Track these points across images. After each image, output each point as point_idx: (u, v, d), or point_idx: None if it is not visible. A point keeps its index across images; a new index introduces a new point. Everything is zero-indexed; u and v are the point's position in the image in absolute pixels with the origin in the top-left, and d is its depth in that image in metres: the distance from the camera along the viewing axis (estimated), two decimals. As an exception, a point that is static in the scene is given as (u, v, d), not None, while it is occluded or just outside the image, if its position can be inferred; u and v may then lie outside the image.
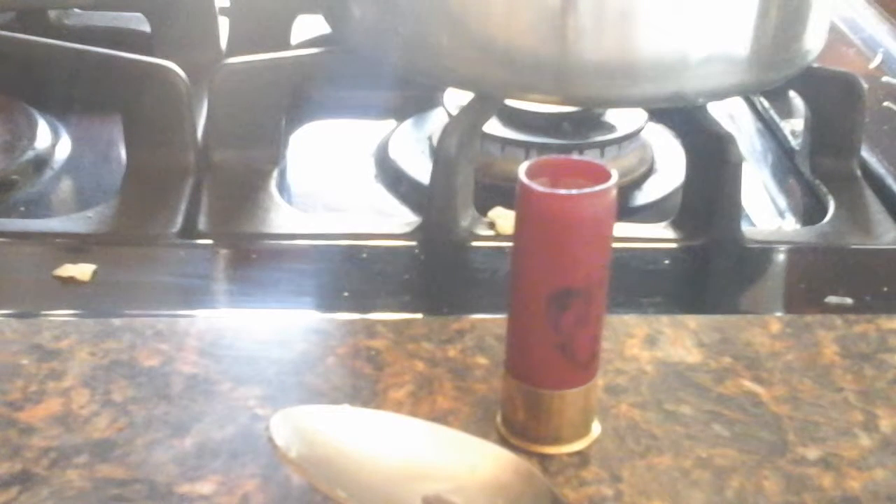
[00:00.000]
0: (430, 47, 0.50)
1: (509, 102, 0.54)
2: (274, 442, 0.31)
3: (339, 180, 0.57)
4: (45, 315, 0.41)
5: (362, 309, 0.42)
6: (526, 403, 0.35)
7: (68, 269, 0.44)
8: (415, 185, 0.54)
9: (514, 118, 0.56)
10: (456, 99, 0.55)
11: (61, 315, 0.41)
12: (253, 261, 0.46)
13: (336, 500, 0.31)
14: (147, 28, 0.65)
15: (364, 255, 0.46)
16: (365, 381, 0.38)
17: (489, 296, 0.44)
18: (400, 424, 0.34)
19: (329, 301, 0.43)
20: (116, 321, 0.40)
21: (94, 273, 0.44)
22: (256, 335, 0.40)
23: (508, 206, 0.48)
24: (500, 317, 0.36)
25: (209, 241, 0.47)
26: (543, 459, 0.35)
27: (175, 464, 0.34)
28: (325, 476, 0.31)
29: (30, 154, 0.55)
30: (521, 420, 0.35)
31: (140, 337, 0.39)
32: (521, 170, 0.33)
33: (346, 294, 0.43)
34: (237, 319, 0.41)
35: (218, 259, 0.46)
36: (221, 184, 0.51)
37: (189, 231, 0.48)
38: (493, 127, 0.55)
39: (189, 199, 0.50)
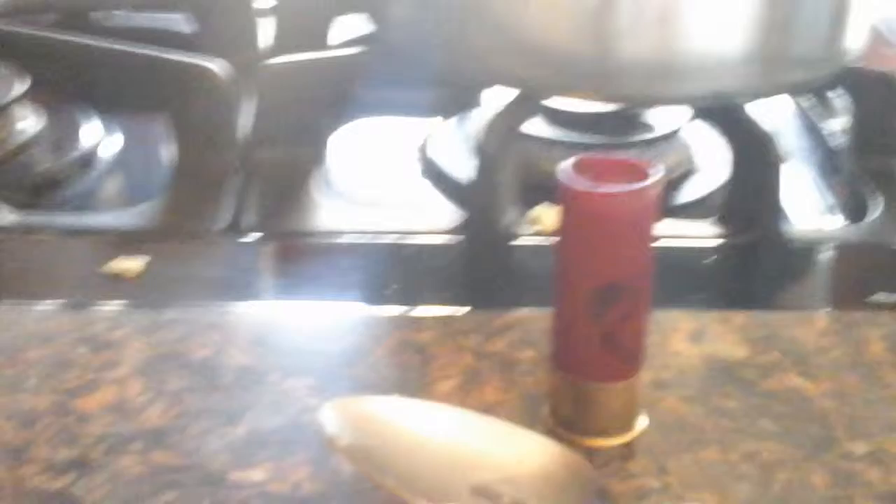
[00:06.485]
0: (471, 47, 0.50)
1: (551, 101, 0.54)
2: (325, 430, 0.32)
3: (382, 178, 0.57)
4: (99, 307, 0.42)
5: (409, 303, 0.42)
6: (572, 396, 0.35)
7: (120, 263, 0.44)
8: (458, 182, 0.55)
9: (555, 117, 0.56)
10: (498, 98, 0.55)
11: (114, 307, 0.42)
12: (300, 256, 0.47)
13: (385, 488, 0.31)
14: (187, 29, 0.66)
15: (410, 251, 0.47)
16: (413, 374, 0.38)
17: (534, 291, 0.44)
18: (449, 415, 0.34)
19: (376, 295, 0.44)
20: (168, 313, 0.41)
21: (145, 267, 0.44)
22: (305, 328, 0.40)
23: (551, 203, 0.48)
24: (546, 312, 0.36)
25: (256, 237, 0.48)
26: (589, 452, 0.35)
27: (227, 451, 0.34)
28: (374, 464, 0.31)
29: (80, 152, 0.56)
30: (567, 413, 0.36)
31: (191, 328, 0.40)
32: (564, 168, 0.33)
33: (392, 288, 0.44)
34: (286, 312, 0.42)
35: (265, 254, 0.47)
36: (267, 181, 0.52)
37: (236, 227, 0.48)
38: (535, 126, 0.55)
39: (236, 195, 0.51)
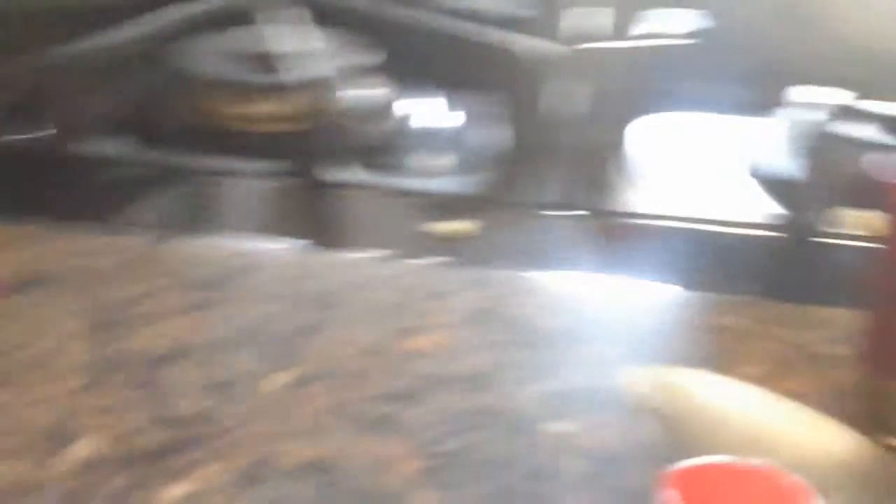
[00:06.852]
0: (799, 48, 0.50)
1: (873, 103, 0.53)
2: (634, 394, 0.34)
3: (701, 170, 0.58)
4: (431, 260, 0.46)
5: (722, 290, 0.43)
6: (880, 395, 0.35)
7: (452, 225, 0.49)
8: (780, 180, 0.55)
9: (882, 121, 0.54)
10: (818, 98, 0.55)
11: (445, 262, 0.46)
12: (620, 235, 0.49)
13: (688, 454, 0.32)
14: (525, 13, 0.69)
15: (726, 241, 0.47)
16: (721, 354, 0.39)
17: (845, 291, 0.44)
18: (754, 395, 0.35)
19: (690, 279, 0.45)
20: (493, 273, 0.44)
21: (474, 229, 0.48)
22: (620, 300, 0.42)
23: (869, 206, 0.47)
24: (857, 312, 0.36)
25: (580, 213, 0.50)
26: (893, 451, 0.35)
27: (539, 402, 0.37)
28: (680, 431, 0.33)
29: (424, 123, 0.60)
30: (873, 410, 0.35)
31: (513, 289, 0.43)
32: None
33: (707, 274, 0.45)
34: (603, 285, 0.44)
35: (586, 230, 0.49)
36: (593, 161, 0.54)
37: (561, 202, 0.51)
38: (860, 129, 0.54)
39: (563, 173, 0.53)
